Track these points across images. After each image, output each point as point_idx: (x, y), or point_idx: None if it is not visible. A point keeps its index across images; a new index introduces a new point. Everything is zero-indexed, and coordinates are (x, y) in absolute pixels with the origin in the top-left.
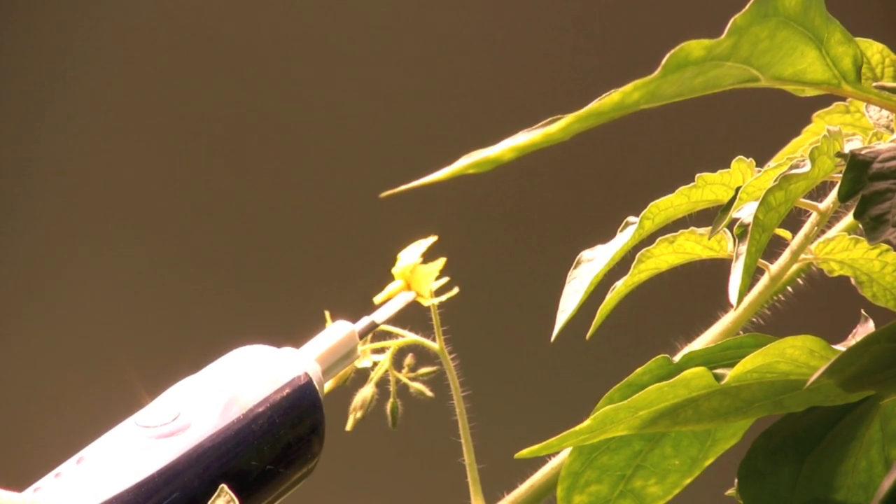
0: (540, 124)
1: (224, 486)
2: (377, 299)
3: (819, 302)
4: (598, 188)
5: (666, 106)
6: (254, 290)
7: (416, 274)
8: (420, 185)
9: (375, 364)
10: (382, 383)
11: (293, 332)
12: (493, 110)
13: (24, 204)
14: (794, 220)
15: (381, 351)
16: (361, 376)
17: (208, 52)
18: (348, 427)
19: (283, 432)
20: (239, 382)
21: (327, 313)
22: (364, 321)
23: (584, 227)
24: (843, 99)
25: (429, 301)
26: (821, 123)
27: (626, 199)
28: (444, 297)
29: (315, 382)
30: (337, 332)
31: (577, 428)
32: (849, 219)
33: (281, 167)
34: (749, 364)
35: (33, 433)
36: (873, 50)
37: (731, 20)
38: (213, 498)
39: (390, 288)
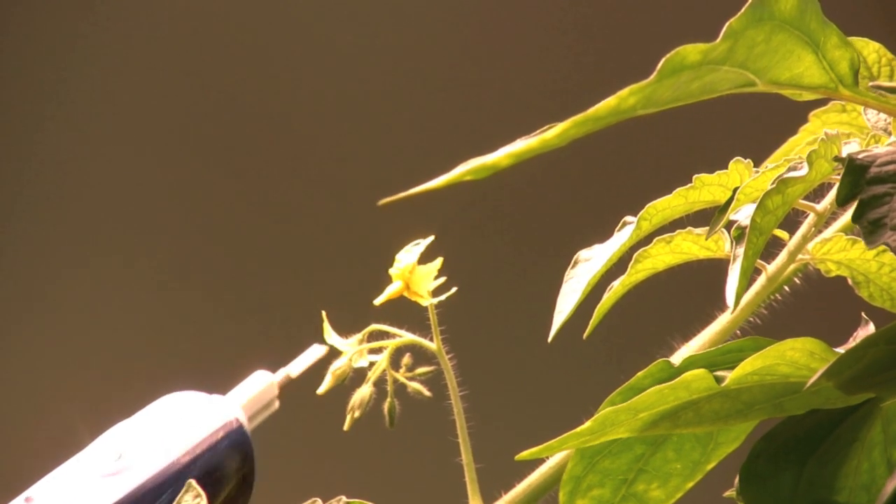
0: (538, 131)
1: (192, 482)
2: (377, 301)
3: (816, 302)
4: (597, 188)
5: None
6: (250, 293)
7: (415, 274)
8: (418, 193)
9: (372, 364)
10: (379, 383)
11: (292, 336)
12: (494, 114)
13: None
14: (790, 220)
15: (378, 351)
16: (359, 376)
17: (208, 60)
18: (346, 427)
19: (219, 473)
20: (177, 426)
21: (324, 313)
22: (281, 373)
23: (582, 227)
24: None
25: (427, 301)
26: (817, 122)
27: (625, 200)
28: (442, 297)
29: (244, 427)
30: (258, 382)
31: (578, 430)
32: (845, 219)
33: (277, 170)
34: (749, 366)
35: None
36: (869, 49)
37: (727, 24)
38: (181, 493)
39: (389, 290)
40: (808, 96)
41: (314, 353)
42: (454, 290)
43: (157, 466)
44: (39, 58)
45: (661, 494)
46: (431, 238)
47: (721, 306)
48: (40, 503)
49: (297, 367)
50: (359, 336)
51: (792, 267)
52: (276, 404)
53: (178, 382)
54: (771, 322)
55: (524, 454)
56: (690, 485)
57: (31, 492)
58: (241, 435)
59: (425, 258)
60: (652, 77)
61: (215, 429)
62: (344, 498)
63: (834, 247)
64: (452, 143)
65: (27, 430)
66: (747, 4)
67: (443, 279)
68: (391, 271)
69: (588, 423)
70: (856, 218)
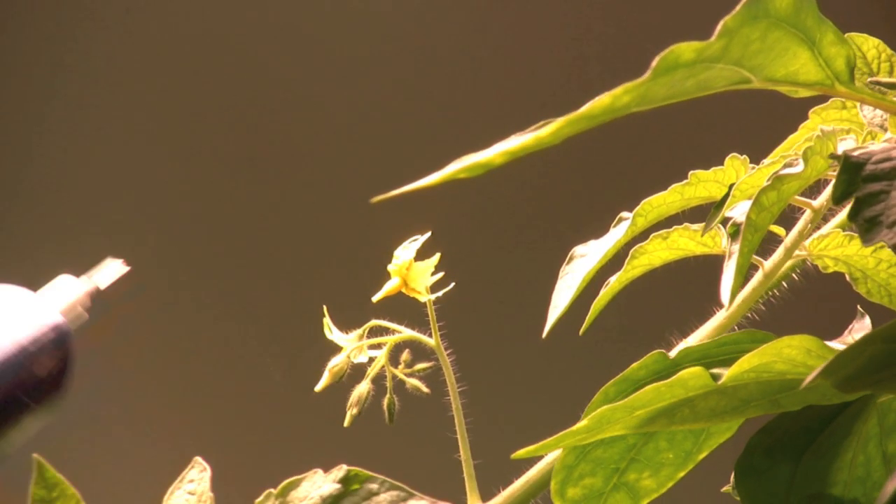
0: (531, 128)
1: (198, 459)
2: (375, 298)
3: (814, 298)
4: (593, 184)
5: None
6: (250, 290)
7: (413, 271)
8: (412, 190)
9: (372, 360)
10: (379, 379)
11: (288, 332)
12: (488, 111)
13: None
14: (787, 216)
15: (377, 347)
16: (358, 372)
17: (203, 64)
18: (346, 423)
19: (31, 363)
20: None
21: (325, 308)
22: (89, 282)
23: (578, 223)
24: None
25: (425, 297)
26: (817, 119)
27: (621, 196)
28: (440, 293)
29: (64, 325)
30: (71, 287)
31: (574, 428)
32: (843, 215)
33: (275, 170)
34: (746, 364)
35: None
36: (869, 45)
37: (722, 22)
38: (186, 469)
39: (387, 286)
40: (804, 93)
41: (115, 267)
42: (452, 285)
43: None
44: (39, 57)
45: (653, 484)
46: (428, 234)
47: (718, 302)
48: None
49: (103, 279)
50: (358, 332)
51: (789, 263)
52: (86, 316)
53: None
54: (768, 318)
55: (520, 452)
56: (682, 474)
57: None
58: (60, 328)
59: (422, 254)
60: (646, 75)
61: (33, 323)
62: (345, 466)
63: (831, 243)
64: (451, 141)
65: None
66: (742, 2)
67: (440, 275)
68: (389, 268)
69: (584, 422)
70: (852, 216)
